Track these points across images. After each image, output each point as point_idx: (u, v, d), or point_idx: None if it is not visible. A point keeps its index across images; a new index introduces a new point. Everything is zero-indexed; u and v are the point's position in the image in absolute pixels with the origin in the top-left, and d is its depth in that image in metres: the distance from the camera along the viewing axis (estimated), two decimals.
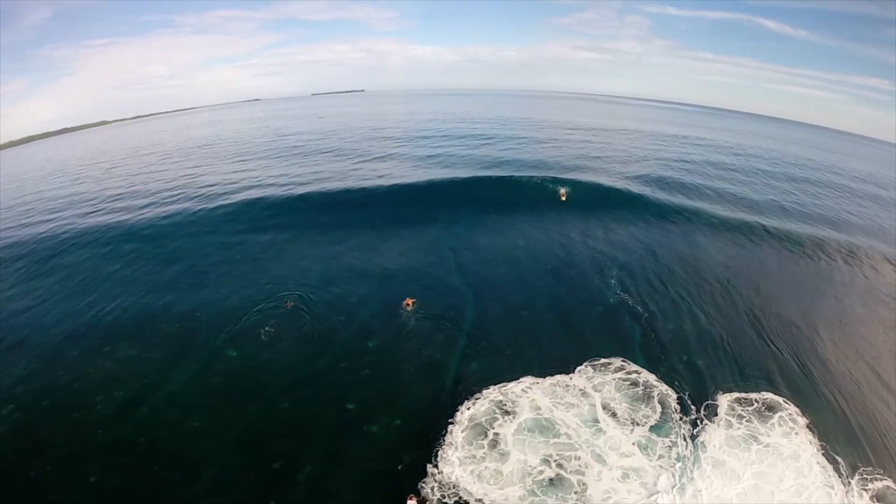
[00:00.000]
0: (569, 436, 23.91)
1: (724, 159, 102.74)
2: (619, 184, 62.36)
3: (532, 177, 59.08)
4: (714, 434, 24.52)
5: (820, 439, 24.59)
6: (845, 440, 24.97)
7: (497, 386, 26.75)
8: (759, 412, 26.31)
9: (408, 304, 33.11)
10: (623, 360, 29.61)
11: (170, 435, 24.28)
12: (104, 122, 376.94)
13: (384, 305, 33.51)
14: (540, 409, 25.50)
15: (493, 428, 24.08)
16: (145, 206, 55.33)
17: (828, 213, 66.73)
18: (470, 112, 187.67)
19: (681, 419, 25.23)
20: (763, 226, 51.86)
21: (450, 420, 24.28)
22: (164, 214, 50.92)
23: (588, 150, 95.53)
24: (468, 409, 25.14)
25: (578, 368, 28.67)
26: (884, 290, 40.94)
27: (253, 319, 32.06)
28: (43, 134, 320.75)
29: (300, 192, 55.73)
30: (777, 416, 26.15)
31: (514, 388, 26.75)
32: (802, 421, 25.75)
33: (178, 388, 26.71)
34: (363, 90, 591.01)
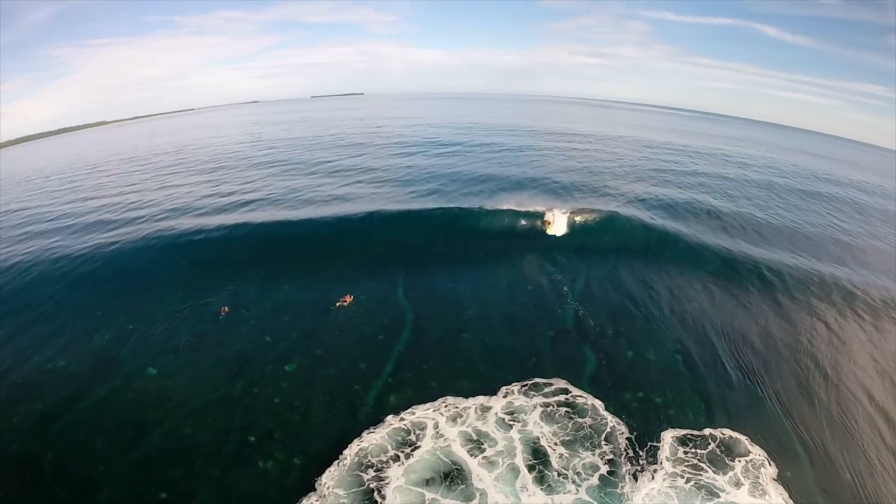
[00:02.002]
0: (482, 494, 20.90)
1: (718, 170, 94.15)
2: (600, 203, 57.16)
3: (503, 210, 51.71)
4: (665, 490, 21.37)
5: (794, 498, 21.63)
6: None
7: (406, 410, 25.45)
8: (717, 458, 23.24)
9: (344, 301, 32.52)
10: (567, 383, 27.45)
11: (75, 453, 24.23)
12: (103, 123, 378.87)
13: (313, 328, 32.37)
14: (445, 443, 23.31)
15: (378, 469, 22.11)
16: (92, 230, 53.78)
17: (824, 230, 60.15)
18: (464, 117, 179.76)
19: (630, 472, 22.35)
20: (749, 255, 46.00)
21: (339, 456, 22.91)
22: (104, 240, 48.97)
23: (579, 160, 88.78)
24: (358, 443, 23.52)
25: (505, 388, 26.89)
26: (882, 337, 35.81)
27: (182, 331, 32.04)
28: (39, 134, 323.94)
29: (253, 218, 52.48)
30: (740, 464, 22.96)
31: (423, 412, 25.35)
32: (771, 471, 22.80)
33: (92, 405, 26.67)
34: (362, 93, 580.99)
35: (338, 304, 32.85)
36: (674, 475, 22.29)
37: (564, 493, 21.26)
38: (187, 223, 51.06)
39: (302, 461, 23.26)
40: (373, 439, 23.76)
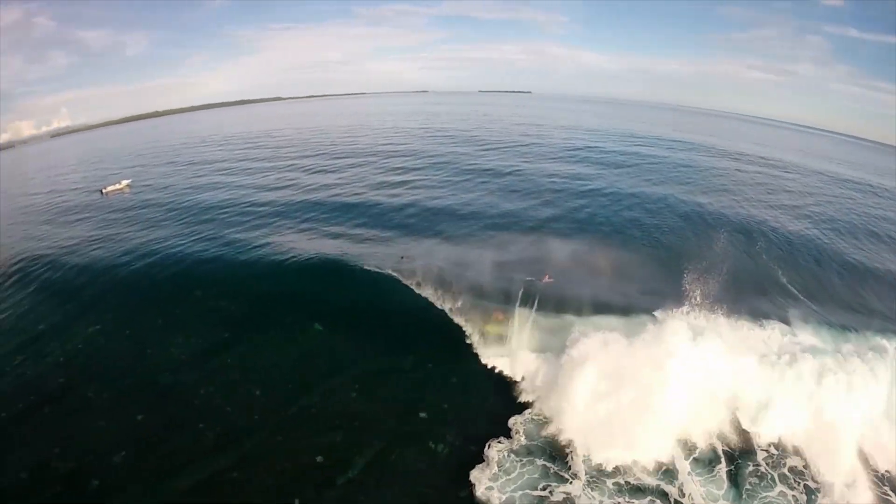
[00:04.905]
0: None
1: None
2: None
3: None
4: None
5: None
6: None
7: None
8: None
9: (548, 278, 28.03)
10: None
11: (226, 395, 22.12)
12: (279, 98, 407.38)
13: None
14: None
15: None
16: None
17: None
18: (630, 126, 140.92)
19: None
20: None
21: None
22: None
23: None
24: None
25: None
26: None
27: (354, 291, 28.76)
28: (221, 103, 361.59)
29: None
30: None
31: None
32: None
33: (251, 350, 24.44)
34: (530, 92, 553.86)
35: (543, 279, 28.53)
36: None
37: None
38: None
39: (478, 449, 19.47)
40: None
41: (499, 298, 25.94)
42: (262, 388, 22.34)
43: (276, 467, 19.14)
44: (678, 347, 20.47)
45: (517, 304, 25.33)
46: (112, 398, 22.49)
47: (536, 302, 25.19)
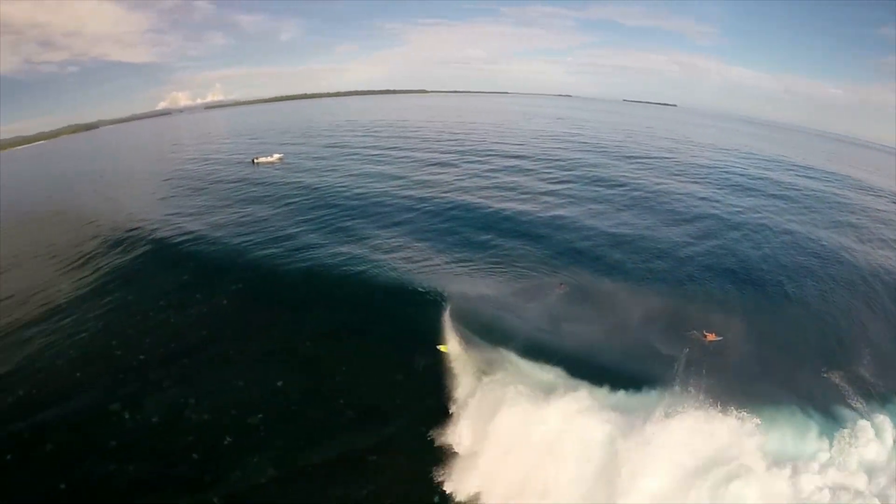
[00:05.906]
0: None
1: None
2: None
3: None
4: None
5: None
6: None
7: None
8: None
9: (706, 337, 23.57)
10: None
11: (367, 375, 21.53)
12: (423, 91, 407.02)
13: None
14: None
15: None
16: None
17: None
18: (783, 152, 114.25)
19: None
20: None
21: None
22: None
23: None
24: None
25: None
26: None
27: None
28: (367, 91, 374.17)
29: None
30: None
31: None
32: None
33: (390, 336, 23.40)
34: (675, 105, 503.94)
35: (706, 338, 23.85)
36: None
37: None
38: None
39: None
40: None
41: (659, 360, 21.40)
42: (405, 374, 21.38)
43: (417, 457, 18.15)
44: None
45: (679, 368, 20.46)
46: (252, 359, 22.48)
47: (704, 370, 19.92)
